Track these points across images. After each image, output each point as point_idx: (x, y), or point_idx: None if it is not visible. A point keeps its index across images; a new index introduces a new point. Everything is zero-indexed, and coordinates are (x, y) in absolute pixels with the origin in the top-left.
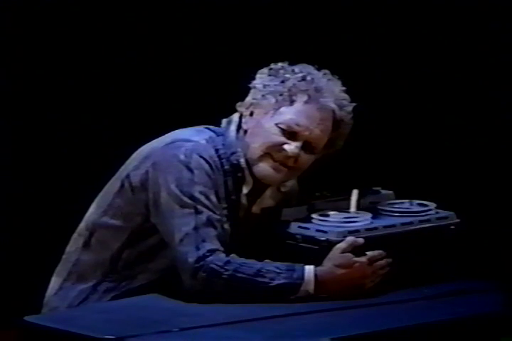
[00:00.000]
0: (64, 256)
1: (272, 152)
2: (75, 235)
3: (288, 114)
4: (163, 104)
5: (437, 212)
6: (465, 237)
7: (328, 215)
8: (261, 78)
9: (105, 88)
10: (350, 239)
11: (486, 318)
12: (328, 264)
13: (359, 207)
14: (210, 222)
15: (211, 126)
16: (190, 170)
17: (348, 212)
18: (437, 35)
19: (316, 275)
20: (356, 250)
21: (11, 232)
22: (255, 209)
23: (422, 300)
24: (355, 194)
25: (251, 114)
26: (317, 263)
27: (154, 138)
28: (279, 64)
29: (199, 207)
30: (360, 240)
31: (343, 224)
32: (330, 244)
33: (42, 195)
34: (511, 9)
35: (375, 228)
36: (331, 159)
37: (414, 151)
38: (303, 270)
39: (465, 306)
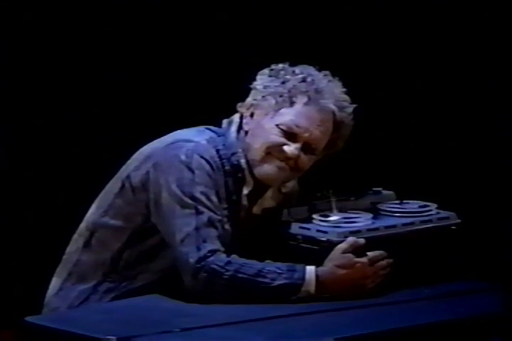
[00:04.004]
0: (64, 257)
1: (273, 152)
2: (75, 235)
3: (288, 116)
4: (164, 104)
5: (438, 213)
6: (466, 237)
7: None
8: (261, 79)
9: (106, 88)
10: (351, 239)
11: (486, 319)
12: (329, 265)
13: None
14: (210, 223)
15: (212, 127)
16: (191, 170)
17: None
18: (437, 36)
19: (317, 276)
20: (357, 250)
21: (12, 233)
22: (256, 209)
23: (423, 301)
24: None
25: (251, 115)
26: (318, 263)
27: (155, 139)
28: (280, 65)
29: (200, 207)
30: (361, 240)
31: (343, 224)
32: (331, 245)
33: (42, 195)
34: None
35: (376, 228)
36: (332, 159)
37: (415, 152)
38: (304, 270)
39: (466, 306)
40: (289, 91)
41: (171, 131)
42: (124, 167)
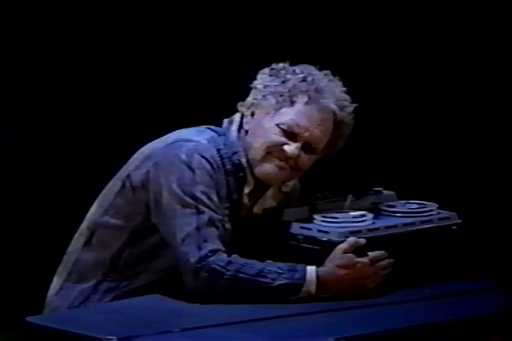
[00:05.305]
0: (65, 256)
1: (273, 152)
2: (76, 235)
3: (288, 115)
4: (165, 104)
5: (439, 213)
6: (466, 238)
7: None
8: (262, 78)
9: (106, 88)
10: (351, 239)
11: (486, 319)
12: (329, 265)
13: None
14: (211, 222)
15: (213, 126)
16: (192, 169)
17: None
18: (437, 35)
19: (317, 276)
20: (358, 250)
21: (13, 232)
22: (257, 209)
23: (424, 301)
24: (349, 198)
25: (252, 114)
26: (319, 263)
27: (156, 138)
28: (281, 64)
29: (201, 206)
30: (362, 240)
31: (344, 224)
32: (332, 245)
33: (43, 194)
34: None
35: (377, 228)
36: (333, 159)
37: (416, 152)
38: (304, 270)
39: (466, 307)
40: (290, 91)
41: (171, 131)
42: (124, 166)
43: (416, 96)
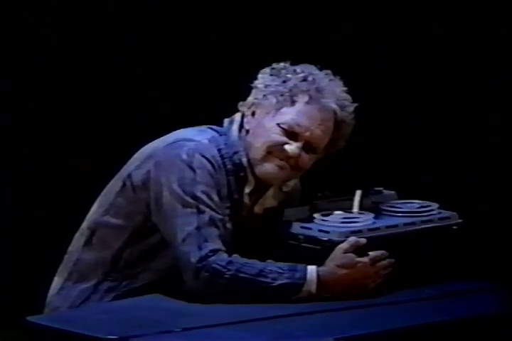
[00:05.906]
0: (66, 256)
1: (274, 151)
2: (77, 234)
3: (289, 115)
4: (166, 103)
5: (440, 212)
6: (467, 237)
7: (329, 215)
8: (263, 78)
9: (107, 88)
10: (352, 239)
11: (486, 319)
12: (330, 264)
13: (361, 208)
14: (212, 222)
15: (213, 126)
16: (193, 169)
17: (351, 212)
18: (438, 35)
19: (318, 276)
20: (358, 250)
21: (14, 232)
22: (257, 209)
23: (424, 301)
24: (358, 194)
25: (253, 114)
26: (319, 263)
27: (156, 138)
28: (281, 64)
29: (201, 206)
30: (363, 240)
31: (345, 224)
32: (332, 244)
33: (44, 194)
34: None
35: (378, 228)
36: (333, 159)
37: (417, 151)
38: (305, 270)
39: (467, 306)
40: (290, 90)
41: (172, 131)
42: (125, 166)
43: (416, 96)
